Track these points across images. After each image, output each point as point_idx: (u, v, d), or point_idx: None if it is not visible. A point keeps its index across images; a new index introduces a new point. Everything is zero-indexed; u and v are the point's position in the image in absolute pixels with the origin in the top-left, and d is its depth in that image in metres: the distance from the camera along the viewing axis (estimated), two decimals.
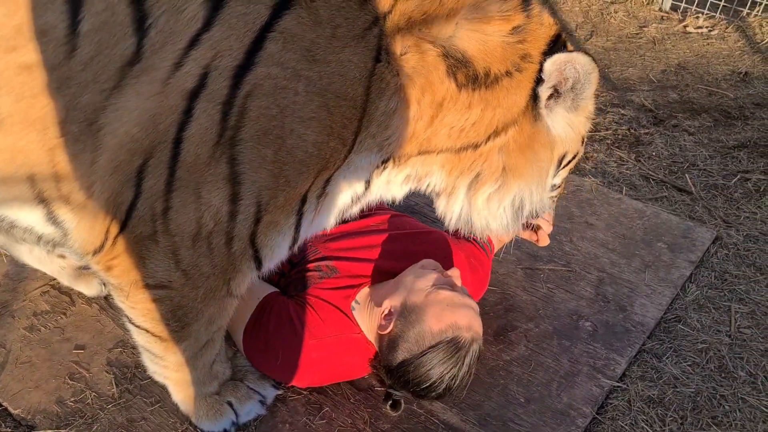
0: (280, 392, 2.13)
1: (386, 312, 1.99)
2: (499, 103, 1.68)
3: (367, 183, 1.78)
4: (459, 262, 2.27)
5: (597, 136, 3.60)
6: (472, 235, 2.00)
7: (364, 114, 1.58)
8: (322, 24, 1.46)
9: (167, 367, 1.92)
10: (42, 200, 1.54)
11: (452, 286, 1.99)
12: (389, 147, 1.68)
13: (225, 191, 1.51)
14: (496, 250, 2.51)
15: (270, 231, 1.64)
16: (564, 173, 1.96)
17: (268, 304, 2.11)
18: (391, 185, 1.84)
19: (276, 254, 1.72)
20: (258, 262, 1.70)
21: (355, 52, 1.50)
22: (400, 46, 1.54)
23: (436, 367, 1.88)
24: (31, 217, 1.60)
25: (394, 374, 1.97)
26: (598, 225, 2.91)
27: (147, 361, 1.96)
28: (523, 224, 1.99)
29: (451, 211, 1.91)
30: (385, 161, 1.73)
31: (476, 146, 1.74)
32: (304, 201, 1.66)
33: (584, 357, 2.31)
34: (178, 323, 1.76)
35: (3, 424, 2.06)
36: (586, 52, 1.67)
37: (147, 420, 2.08)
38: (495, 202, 1.83)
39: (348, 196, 1.78)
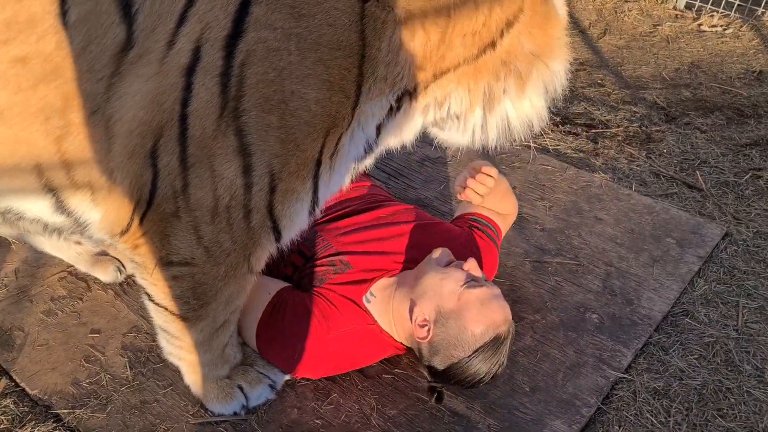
0: (288, 377, 2.17)
1: (421, 322, 2.01)
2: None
3: (378, 129, 1.75)
4: (469, 252, 2.30)
5: (608, 133, 3.61)
6: (500, 147, 1.98)
7: (364, 60, 1.57)
8: None
9: (182, 348, 1.97)
10: (50, 189, 1.60)
11: (477, 281, 2.02)
12: (402, 82, 1.66)
13: (237, 163, 1.55)
14: (503, 235, 2.53)
15: (287, 199, 1.66)
16: None
17: (282, 300, 2.11)
18: (404, 126, 1.80)
19: (296, 222, 1.74)
20: (277, 233, 1.72)
21: None
22: None
23: (483, 364, 1.95)
24: (38, 207, 1.66)
25: (441, 376, 2.02)
26: (607, 220, 2.92)
27: (163, 341, 2.01)
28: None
29: (486, 124, 1.83)
30: (399, 99, 1.71)
31: (494, 45, 1.69)
32: (318, 164, 1.67)
33: (590, 348, 2.33)
34: (197, 301, 1.81)
35: (20, 404, 2.12)
36: None
37: (159, 402, 2.13)
38: (537, 94, 1.81)
39: (361, 148, 1.77)
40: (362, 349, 2.15)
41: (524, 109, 1.83)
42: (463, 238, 2.35)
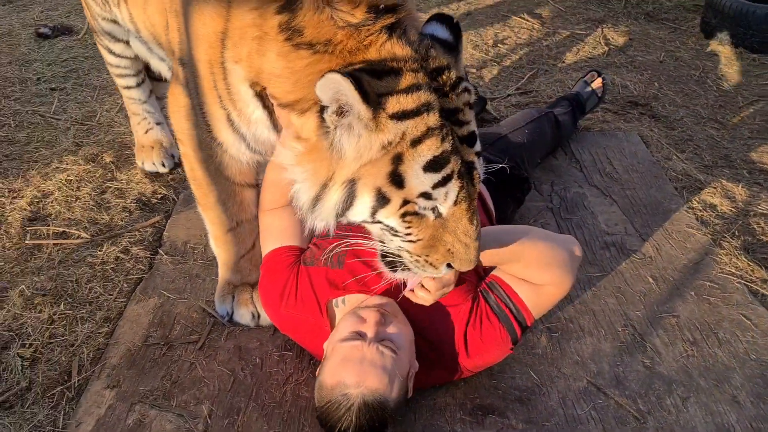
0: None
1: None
2: (299, 71, 1.63)
3: (262, 99, 1.88)
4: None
5: None
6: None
7: (229, 17, 1.78)
8: None
9: (211, 237, 2.44)
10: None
11: (361, 336, 1.94)
12: (242, 62, 1.80)
13: (178, 59, 2.06)
14: (533, 306, 2.12)
15: (210, 114, 2.02)
16: (391, 214, 1.65)
17: (284, 254, 2.27)
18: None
19: (228, 142, 2.07)
20: (219, 143, 2.10)
21: None
22: None
23: (333, 419, 1.89)
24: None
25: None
26: (746, 405, 2.10)
27: None
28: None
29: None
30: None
31: (289, 107, 1.69)
32: (221, 98, 1.95)
33: None
34: (199, 189, 2.28)
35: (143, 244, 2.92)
36: (341, 72, 1.48)
37: (204, 281, 2.64)
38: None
39: (260, 111, 1.91)
40: (306, 337, 2.22)
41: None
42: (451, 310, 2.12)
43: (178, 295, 2.58)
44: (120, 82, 3.26)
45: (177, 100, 2.13)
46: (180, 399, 2.15)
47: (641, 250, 2.79)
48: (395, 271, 1.79)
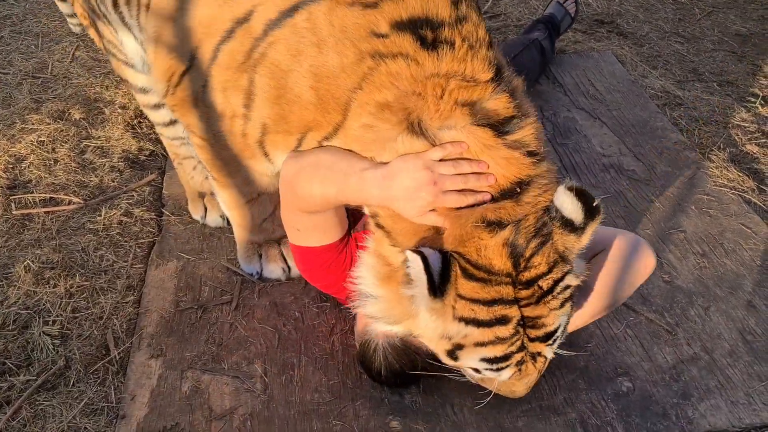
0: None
1: None
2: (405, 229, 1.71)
3: None
4: None
5: None
6: None
7: (348, 109, 1.73)
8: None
9: (224, 202, 2.34)
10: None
11: None
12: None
13: (241, 99, 1.88)
14: None
15: (275, 147, 1.95)
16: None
17: (338, 248, 2.08)
18: None
19: (281, 158, 1.98)
20: (269, 159, 2.02)
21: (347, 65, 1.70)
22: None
23: (367, 362, 2.00)
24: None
25: None
26: (761, 308, 2.29)
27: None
28: None
29: None
30: None
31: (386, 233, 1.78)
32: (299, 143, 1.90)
33: (583, 405, 2.00)
34: (218, 173, 2.18)
35: (149, 191, 2.79)
36: (424, 255, 1.54)
37: (220, 239, 2.58)
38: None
39: None
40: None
41: None
42: None
43: (197, 256, 2.51)
44: (154, 117, 2.67)
45: (195, 106, 2.02)
46: (231, 361, 2.13)
47: (638, 170, 2.91)
48: None
